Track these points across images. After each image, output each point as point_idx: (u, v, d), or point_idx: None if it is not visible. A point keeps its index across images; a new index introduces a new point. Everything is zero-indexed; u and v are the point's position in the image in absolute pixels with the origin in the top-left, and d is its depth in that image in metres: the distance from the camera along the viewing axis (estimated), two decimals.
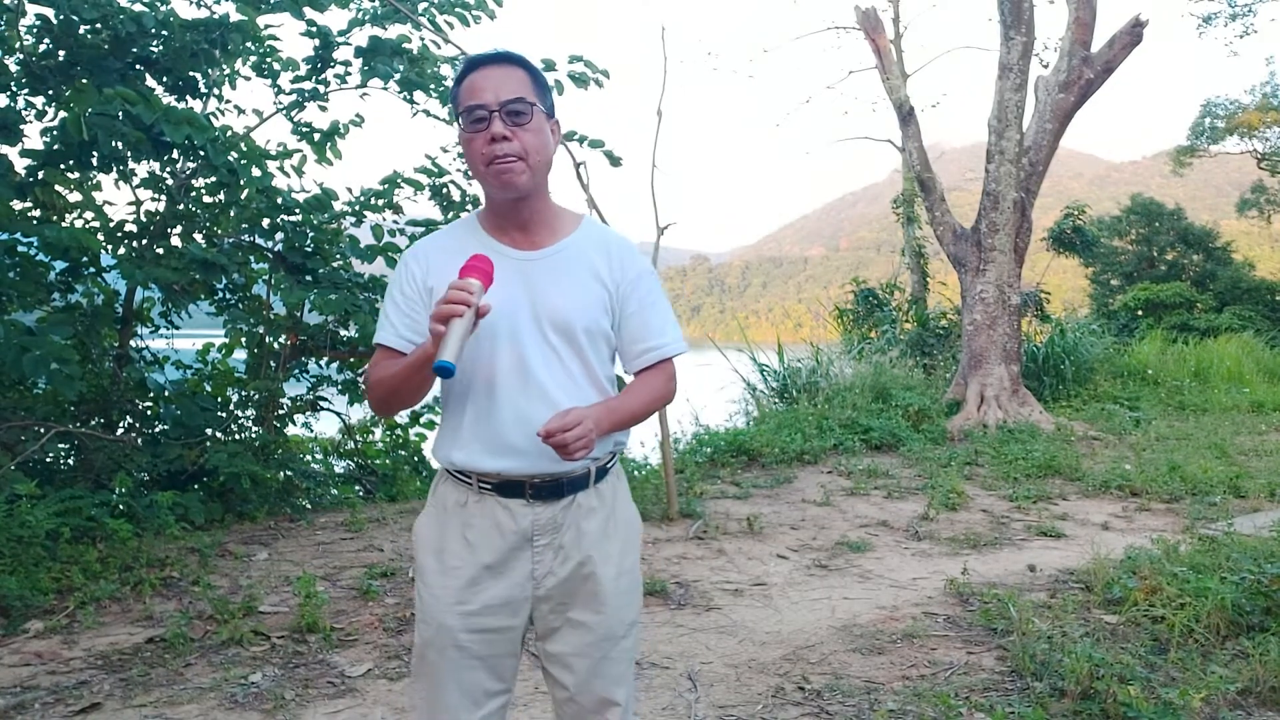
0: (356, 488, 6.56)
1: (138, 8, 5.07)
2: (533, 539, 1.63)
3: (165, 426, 5.78)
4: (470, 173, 1.68)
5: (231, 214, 5.92)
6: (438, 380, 1.53)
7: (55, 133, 5.05)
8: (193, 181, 5.89)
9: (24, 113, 5.24)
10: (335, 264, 6.16)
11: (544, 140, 1.61)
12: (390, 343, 1.64)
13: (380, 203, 6.43)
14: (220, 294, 6.21)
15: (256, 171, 5.40)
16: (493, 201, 1.66)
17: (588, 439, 1.50)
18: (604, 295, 1.67)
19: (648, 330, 1.71)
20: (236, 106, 6.27)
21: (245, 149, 5.47)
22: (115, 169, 5.43)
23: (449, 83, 6.39)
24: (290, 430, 6.54)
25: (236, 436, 6.05)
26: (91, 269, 5.51)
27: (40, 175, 5.18)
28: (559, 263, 1.66)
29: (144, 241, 5.67)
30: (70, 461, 5.47)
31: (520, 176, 1.57)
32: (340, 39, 6.05)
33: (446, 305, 1.43)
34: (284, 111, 6.29)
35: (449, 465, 1.65)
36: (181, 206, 5.84)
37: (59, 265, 5.23)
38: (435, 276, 1.63)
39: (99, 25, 5.09)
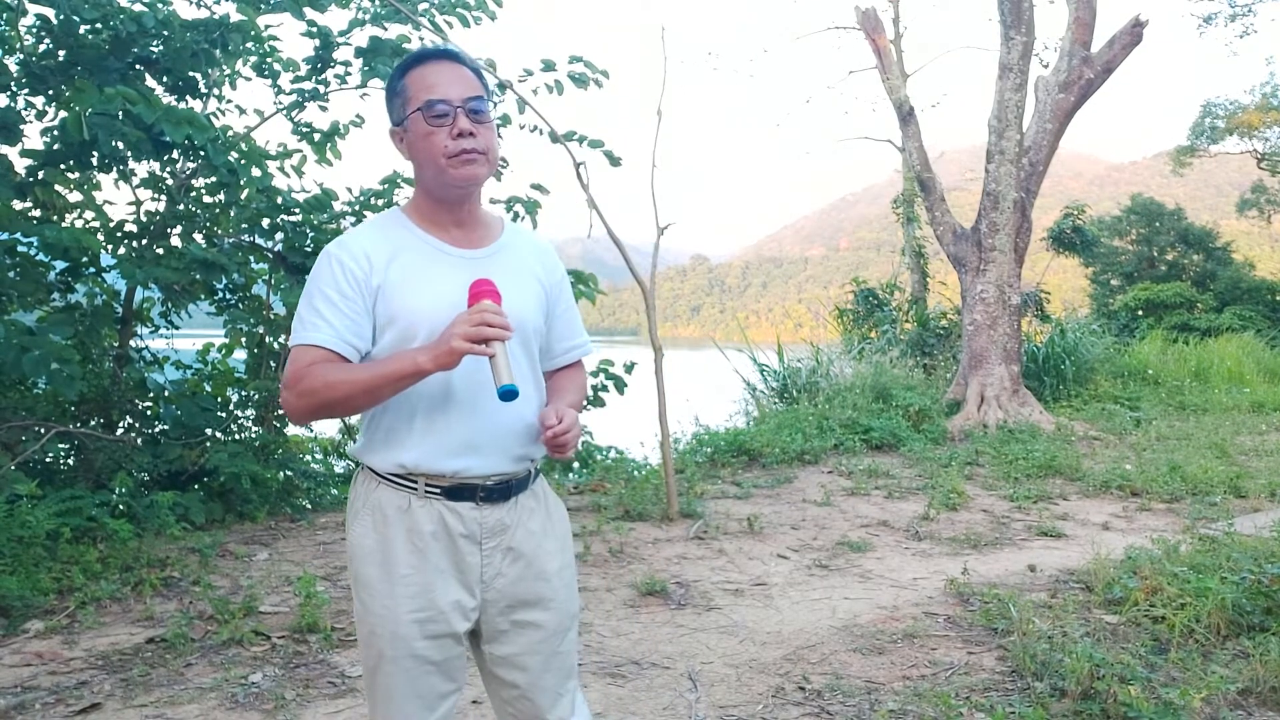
0: None
1: (138, 8, 5.07)
2: (482, 542, 1.62)
3: (165, 426, 5.78)
4: (418, 165, 1.64)
5: (231, 214, 5.91)
6: None
7: (55, 133, 5.05)
8: (193, 181, 5.90)
9: (24, 113, 5.24)
10: None
11: (496, 138, 1.64)
12: (331, 345, 1.54)
13: (380, 203, 6.42)
14: (220, 294, 6.21)
15: (256, 171, 5.40)
16: (435, 197, 1.64)
17: (578, 436, 1.59)
18: (542, 296, 1.73)
19: (572, 330, 1.82)
20: (237, 106, 6.28)
21: (245, 149, 5.47)
22: (115, 169, 5.43)
23: None
24: (290, 430, 6.54)
25: (236, 436, 6.05)
26: (91, 269, 5.51)
27: (40, 175, 5.18)
28: (503, 262, 1.67)
29: (144, 241, 5.67)
30: (70, 461, 5.47)
31: (481, 169, 1.59)
32: (340, 39, 6.05)
33: (489, 329, 1.45)
34: (284, 111, 6.29)
35: (395, 469, 1.58)
36: (181, 206, 5.84)
37: (59, 265, 5.23)
38: (379, 275, 1.57)
39: (99, 25, 5.09)
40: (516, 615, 1.66)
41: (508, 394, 1.46)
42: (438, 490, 1.59)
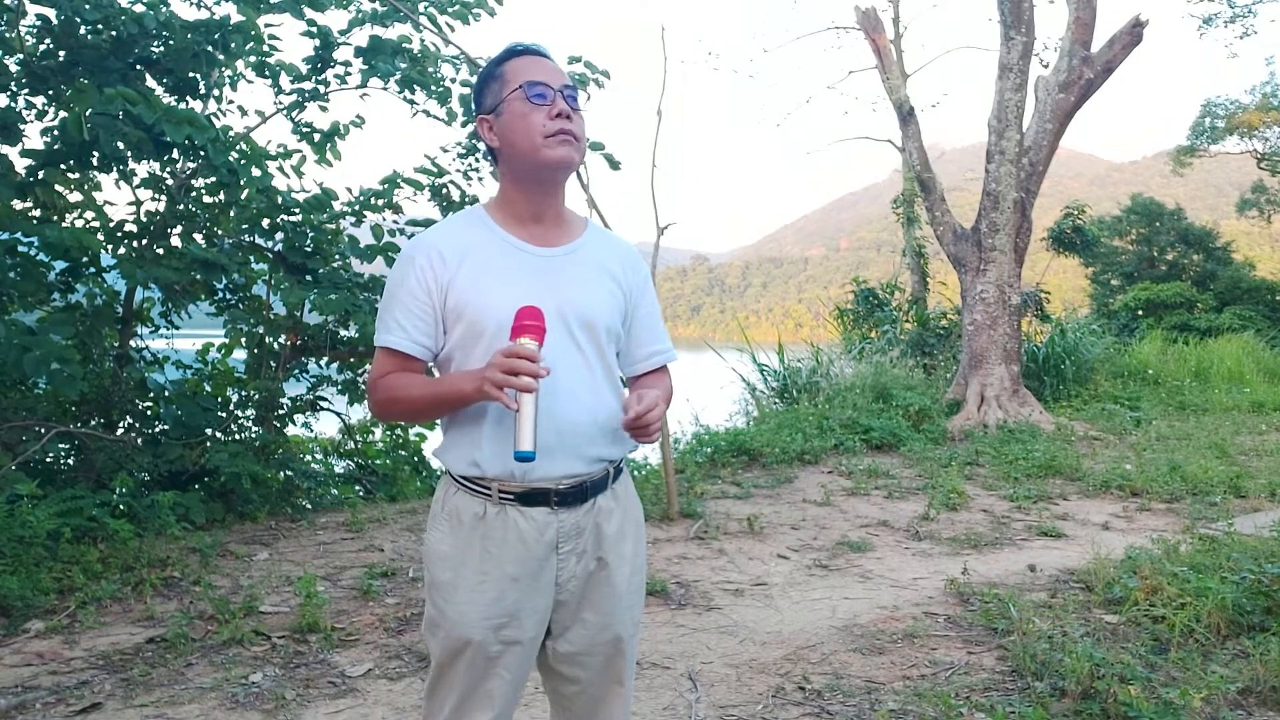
0: (357, 488, 6.56)
1: (139, 9, 5.07)
2: (558, 546, 1.60)
3: (166, 426, 5.77)
4: (509, 148, 1.58)
5: (231, 214, 5.92)
6: None
7: (56, 133, 5.06)
8: (193, 181, 5.90)
9: (24, 113, 5.24)
10: (335, 264, 6.16)
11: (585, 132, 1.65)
12: (402, 348, 1.57)
13: (380, 203, 6.43)
14: (220, 294, 6.21)
15: (256, 171, 5.40)
16: (521, 188, 1.62)
17: (660, 422, 1.55)
18: (620, 297, 1.68)
19: (655, 335, 1.77)
20: (239, 107, 6.28)
21: (245, 149, 5.47)
22: (115, 169, 5.43)
23: (449, 83, 6.39)
24: (290, 430, 6.54)
25: (237, 436, 6.05)
26: (91, 269, 5.51)
27: (40, 175, 5.18)
28: (579, 261, 1.65)
29: (144, 241, 5.67)
30: (71, 461, 5.47)
31: (575, 154, 1.58)
32: (340, 39, 6.05)
33: (515, 378, 1.40)
34: (284, 112, 6.29)
35: (469, 469, 1.57)
36: (181, 206, 5.84)
37: (59, 265, 5.23)
38: (451, 271, 1.57)
39: (100, 26, 5.09)
40: (583, 613, 1.65)
41: (523, 459, 1.42)
42: (511, 496, 1.57)
